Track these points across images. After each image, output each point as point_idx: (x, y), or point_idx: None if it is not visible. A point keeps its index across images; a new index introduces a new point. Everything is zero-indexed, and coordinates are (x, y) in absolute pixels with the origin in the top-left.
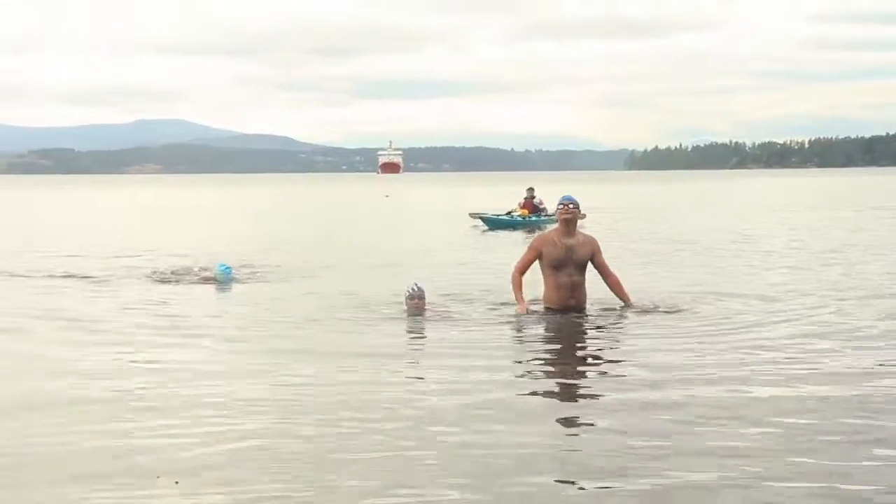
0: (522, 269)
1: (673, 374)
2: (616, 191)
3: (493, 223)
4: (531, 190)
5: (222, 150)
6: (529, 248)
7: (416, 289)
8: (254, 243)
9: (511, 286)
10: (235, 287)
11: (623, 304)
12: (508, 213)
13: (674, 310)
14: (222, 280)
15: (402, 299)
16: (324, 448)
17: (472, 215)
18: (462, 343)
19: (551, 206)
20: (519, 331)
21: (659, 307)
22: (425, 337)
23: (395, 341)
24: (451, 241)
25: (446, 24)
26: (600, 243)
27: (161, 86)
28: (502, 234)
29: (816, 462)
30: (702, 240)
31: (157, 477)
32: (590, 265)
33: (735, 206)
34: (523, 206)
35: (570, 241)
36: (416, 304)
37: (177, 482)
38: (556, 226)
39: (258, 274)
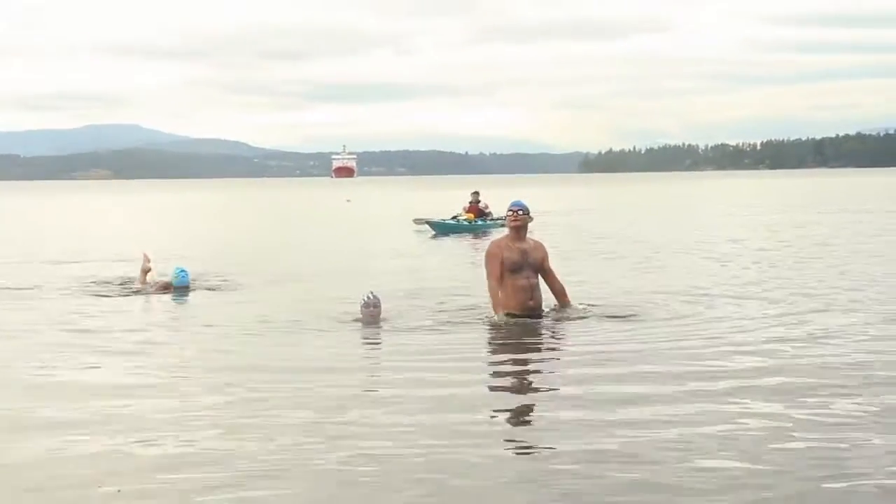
0: (498, 278)
1: (640, 386)
2: (569, 193)
3: (441, 228)
4: (476, 194)
5: (174, 154)
6: (490, 256)
7: (371, 297)
8: (208, 250)
9: (491, 299)
10: (191, 297)
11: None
12: (454, 217)
13: (625, 313)
14: (179, 285)
15: (358, 308)
16: (272, 464)
17: (417, 221)
18: (420, 352)
19: (497, 209)
20: (479, 337)
21: (609, 310)
22: (380, 347)
23: (350, 352)
24: (400, 247)
25: (399, 27)
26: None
27: (111, 90)
28: (449, 240)
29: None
30: (655, 240)
31: (98, 487)
32: None
33: (690, 209)
34: (468, 210)
35: (524, 246)
36: (372, 313)
37: (119, 490)
38: (504, 232)
39: (213, 283)
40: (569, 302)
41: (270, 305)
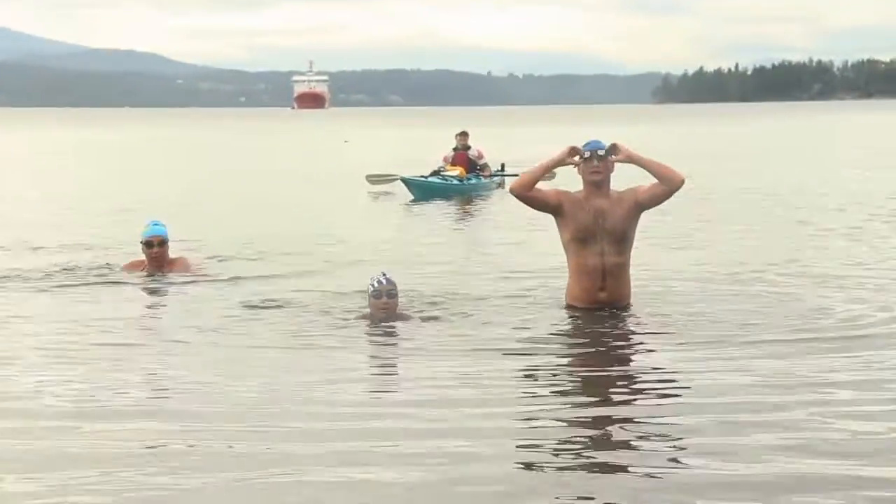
0: (539, 189)
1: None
2: (642, 134)
3: (423, 189)
4: (463, 136)
5: (61, 72)
6: (549, 189)
7: (383, 281)
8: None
9: (525, 182)
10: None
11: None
12: (435, 171)
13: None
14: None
15: (366, 298)
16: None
17: (373, 179)
18: (449, 357)
19: (503, 156)
20: (527, 333)
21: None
22: (404, 350)
23: (359, 358)
24: (377, 217)
25: None
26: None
27: None
28: (430, 206)
29: None
30: (788, 204)
31: None
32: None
33: (830, 160)
34: (454, 162)
35: (601, 203)
36: (386, 304)
37: None
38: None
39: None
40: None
41: (263, 295)
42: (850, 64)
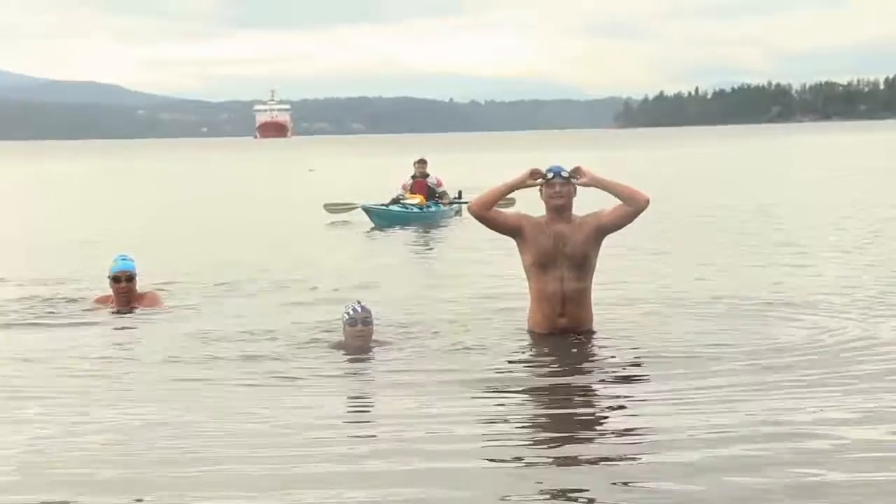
0: (497, 211)
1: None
2: (604, 159)
3: (383, 217)
4: (422, 163)
5: (20, 104)
6: (509, 211)
7: (358, 309)
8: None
9: (482, 202)
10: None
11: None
12: (395, 199)
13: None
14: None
15: (340, 327)
16: None
17: (331, 208)
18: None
19: (459, 183)
20: (489, 362)
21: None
22: (378, 381)
23: (336, 390)
24: (339, 245)
25: None
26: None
27: None
28: (392, 234)
29: None
30: (753, 224)
31: None
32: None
33: (791, 180)
34: (413, 189)
35: (562, 228)
36: (361, 333)
37: None
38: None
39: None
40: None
41: (225, 328)
42: (808, 86)
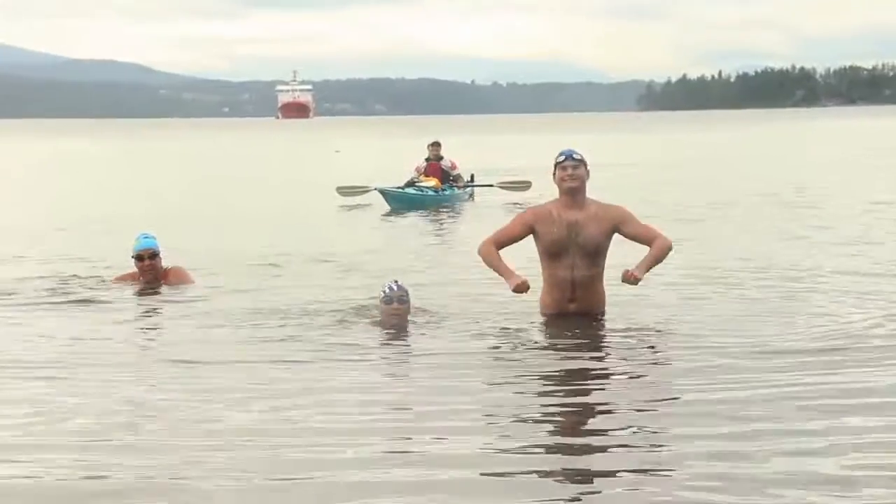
0: (498, 242)
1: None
2: (625, 142)
3: (400, 200)
4: (436, 146)
5: (41, 82)
6: (515, 220)
7: (394, 287)
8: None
9: (484, 262)
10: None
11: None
12: (411, 182)
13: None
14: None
15: (378, 304)
16: None
17: (344, 191)
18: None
19: (474, 165)
20: (506, 343)
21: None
22: (416, 356)
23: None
24: (355, 227)
25: None
26: (629, 209)
27: None
28: (410, 217)
29: None
30: (773, 209)
31: None
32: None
33: (817, 164)
34: (427, 172)
35: (575, 216)
36: (396, 311)
37: None
38: (544, 199)
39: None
40: (647, 261)
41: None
42: (832, 71)
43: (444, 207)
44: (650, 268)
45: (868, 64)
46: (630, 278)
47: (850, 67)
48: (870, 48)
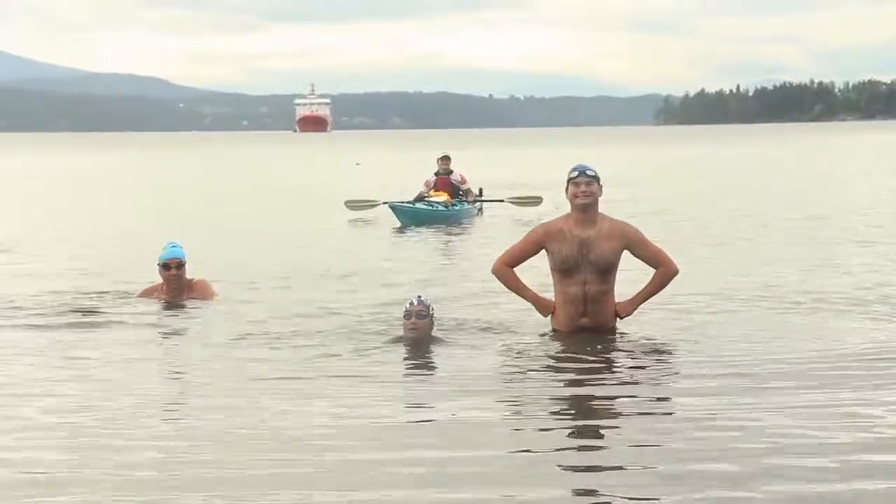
0: (511, 260)
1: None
2: (645, 155)
3: (410, 215)
4: (445, 160)
5: (61, 96)
6: (527, 237)
7: (414, 303)
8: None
9: (500, 282)
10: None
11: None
12: (421, 197)
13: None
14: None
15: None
16: None
17: (353, 205)
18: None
19: (474, 182)
20: (519, 361)
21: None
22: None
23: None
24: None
25: None
26: (641, 230)
27: None
28: (420, 233)
29: None
30: (786, 226)
31: None
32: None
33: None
34: (437, 187)
35: (587, 233)
36: (413, 325)
37: None
38: (557, 214)
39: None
40: (648, 290)
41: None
42: (850, 85)
43: (454, 223)
44: (645, 300)
45: (887, 78)
46: (619, 314)
47: (869, 82)
48: (888, 63)
